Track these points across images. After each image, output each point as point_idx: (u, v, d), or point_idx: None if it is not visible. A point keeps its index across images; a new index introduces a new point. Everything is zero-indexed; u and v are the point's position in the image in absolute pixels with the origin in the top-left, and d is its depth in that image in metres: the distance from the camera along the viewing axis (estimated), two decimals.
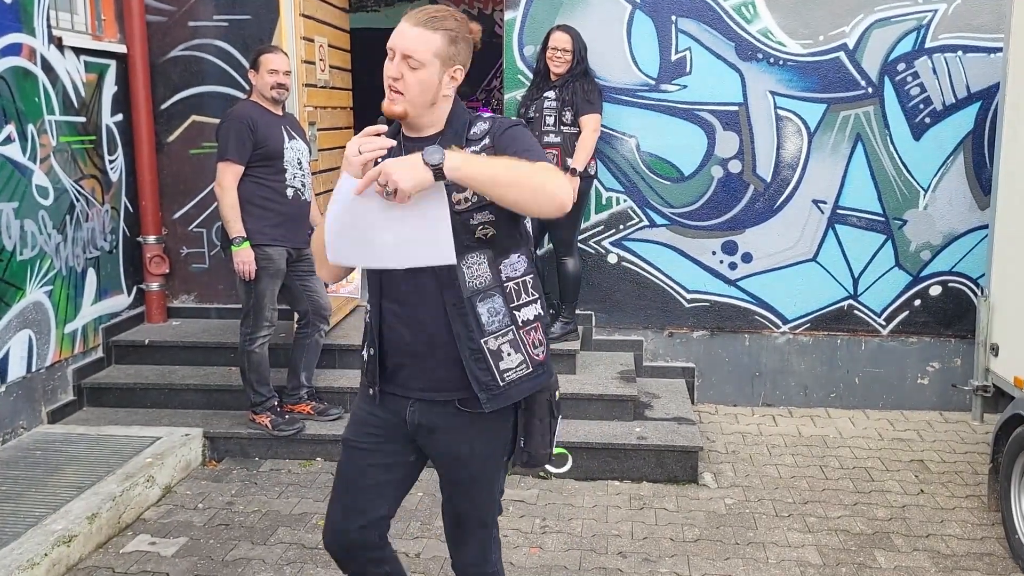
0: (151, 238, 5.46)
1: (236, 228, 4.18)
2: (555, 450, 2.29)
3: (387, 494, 2.30)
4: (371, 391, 2.25)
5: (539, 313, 2.20)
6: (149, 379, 4.92)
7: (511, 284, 2.14)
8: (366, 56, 6.04)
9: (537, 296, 2.20)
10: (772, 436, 4.89)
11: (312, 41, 4.92)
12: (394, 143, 2.04)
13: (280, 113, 4.38)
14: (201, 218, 5.56)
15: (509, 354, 2.13)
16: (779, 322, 5.34)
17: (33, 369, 4.46)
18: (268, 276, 4.31)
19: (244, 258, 4.19)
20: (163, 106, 5.46)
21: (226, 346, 5.04)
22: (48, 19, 4.57)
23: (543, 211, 1.95)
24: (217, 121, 4.35)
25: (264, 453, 4.52)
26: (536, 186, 1.92)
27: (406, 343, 2.15)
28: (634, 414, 4.67)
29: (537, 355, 2.19)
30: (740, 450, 4.69)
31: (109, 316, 5.18)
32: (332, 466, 4.42)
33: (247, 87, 5.36)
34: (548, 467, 2.38)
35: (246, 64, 5.35)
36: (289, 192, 4.32)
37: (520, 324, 2.15)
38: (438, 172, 1.86)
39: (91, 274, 4.99)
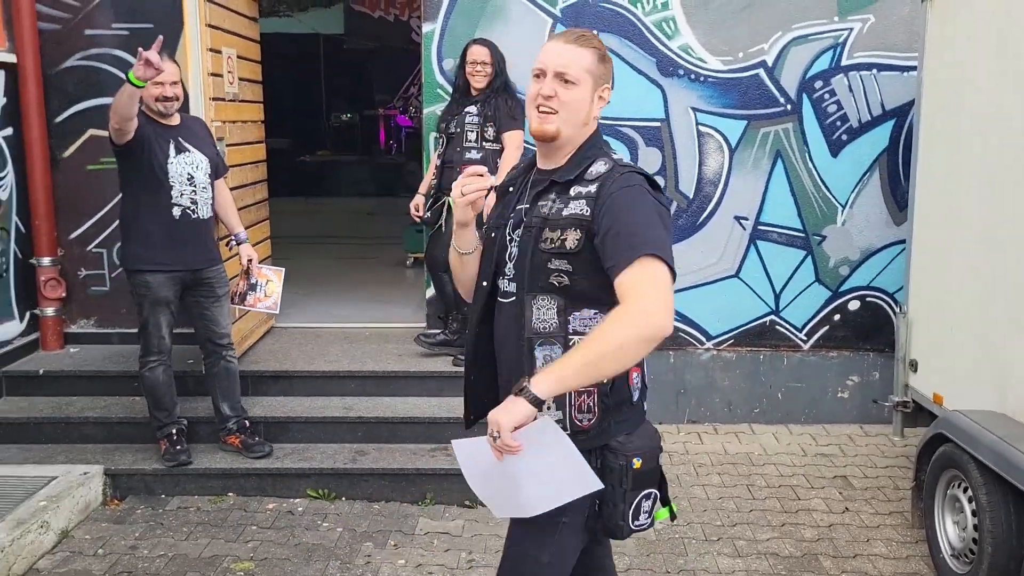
0: (45, 260, 5.10)
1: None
2: (657, 515, 2.12)
3: None
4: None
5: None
6: (44, 412, 4.58)
7: (576, 339, 1.99)
8: (278, 61, 5.82)
9: None
10: (698, 455, 4.85)
11: (219, 53, 4.68)
12: (494, 181, 2.08)
13: (173, 123, 4.07)
14: (100, 238, 5.21)
15: (550, 408, 1.95)
16: (703, 338, 5.32)
17: None
18: (150, 304, 4.07)
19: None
20: (58, 119, 5.11)
21: (129, 374, 4.73)
22: None
23: (648, 348, 1.83)
24: None
25: (171, 489, 4.25)
26: (624, 342, 1.79)
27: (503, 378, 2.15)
28: None
29: (580, 421, 2.01)
30: (667, 470, 4.58)
31: None
32: (245, 501, 4.19)
33: None
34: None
35: None
36: (176, 212, 4.02)
37: None
38: (534, 401, 1.80)
39: None
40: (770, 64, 5.08)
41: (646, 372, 2.13)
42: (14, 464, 4.24)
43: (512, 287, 2.05)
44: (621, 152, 5.09)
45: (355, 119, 15.87)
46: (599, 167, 2.01)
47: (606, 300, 1.94)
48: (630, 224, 1.89)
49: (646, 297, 1.81)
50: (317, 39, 15.14)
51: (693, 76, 5.10)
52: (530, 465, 1.87)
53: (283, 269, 4.54)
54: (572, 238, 1.95)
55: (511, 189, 2.16)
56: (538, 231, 1.99)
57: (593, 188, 1.97)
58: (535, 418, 1.81)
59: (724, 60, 5.09)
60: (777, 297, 5.28)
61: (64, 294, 5.20)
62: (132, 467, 4.25)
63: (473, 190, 2.04)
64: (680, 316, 5.28)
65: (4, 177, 4.89)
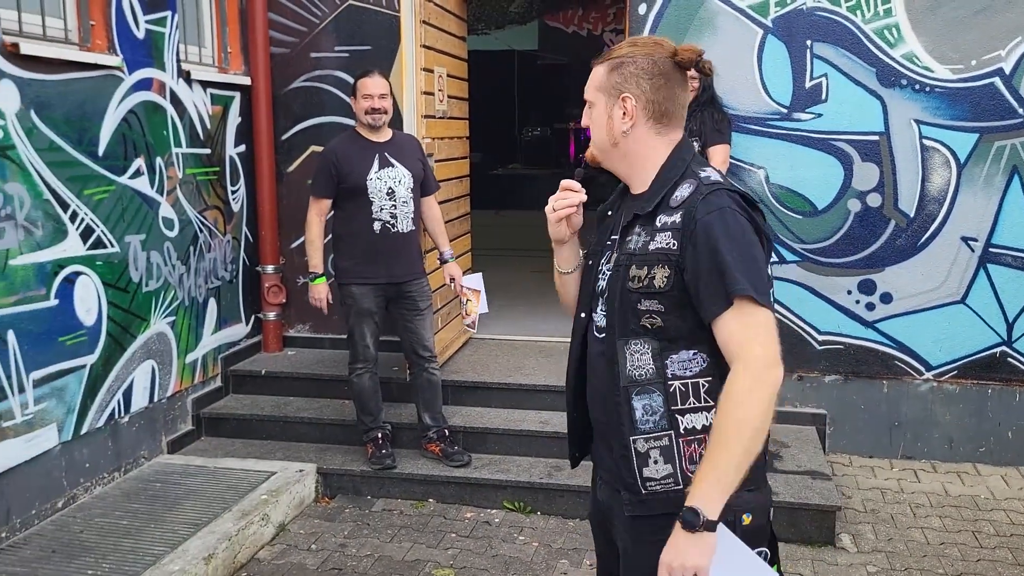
0: (269, 267, 5.49)
1: (312, 263, 4.30)
2: None
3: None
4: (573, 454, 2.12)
5: (708, 425, 1.79)
6: (265, 410, 4.92)
7: (677, 383, 1.81)
8: (475, 78, 5.99)
9: (712, 404, 1.79)
10: (915, 494, 4.49)
11: (432, 72, 4.85)
12: (585, 197, 1.93)
13: (381, 139, 4.26)
14: None
15: (656, 461, 1.82)
16: (922, 368, 4.93)
17: (155, 400, 4.51)
18: (354, 314, 4.30)
19: (315, 294, 4.32)
20: (284, 137, 5.50)
21: (340, 378, 4.99)
22: (177, 53, 4.64)
23: (774, 404, 1.68)
24: None
25: (376, 491, 4.43)
26: (758, 417, 1.63)
27: (593, 414, 1.99)
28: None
29: (693, 472, 1.75)
30: (880, 509, 4.32)
31: (228, 345, 5.22)
32: (444, 508, 4.30)
33: None
34: None
35: None
36: (376, 226, 4.20)
37: (681, 432, 1.81)
38: (708, 525, 1.63)
39: (212, 304, 5.04)
40: (1008, 72, 4.64)
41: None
42: (239, 457, 4.57)
43: (604, 323, 1.89)
44: (833, 168, 4.87)
45: (546, 133, 16.06)
46: (683, 191, 1.80)
47: (704, 338, 1.77)
48: (717, 262, 1.70)
49: (753, 358, 1.66)
50: (512, 55, 15.49)
51: (918, 86, 4.75)
52: None
53: (481, 290, 4.60)
54: (660, 276, 1.77)
55: (609, 213, 1.98)
56: (625, 269, 1.82)
57: (678, 217, 1.77)
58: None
59: (954, 68, 4.70)
60: (1010, 327, 4.81)
61: (284, 300, 5.57)
62: (342, 467, 4.46)
63: (564, 206, 1.91)
64: (895, 343, 4.93)
65: (237, 191, 5.31)
